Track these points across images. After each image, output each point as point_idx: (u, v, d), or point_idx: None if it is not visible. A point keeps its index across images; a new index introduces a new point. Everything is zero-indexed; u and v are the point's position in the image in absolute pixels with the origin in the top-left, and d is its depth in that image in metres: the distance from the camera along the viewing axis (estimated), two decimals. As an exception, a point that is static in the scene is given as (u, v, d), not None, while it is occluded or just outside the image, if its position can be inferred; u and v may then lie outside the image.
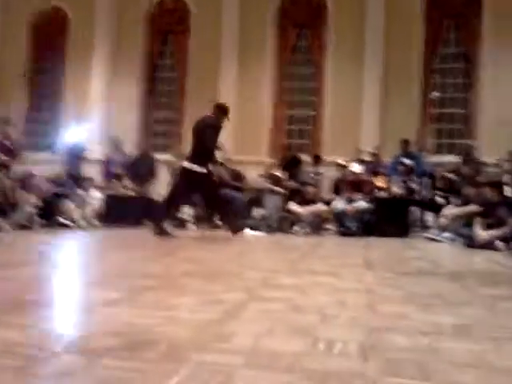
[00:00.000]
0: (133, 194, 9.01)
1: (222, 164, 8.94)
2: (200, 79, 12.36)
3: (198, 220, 8.54)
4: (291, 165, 9.58)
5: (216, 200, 6.48)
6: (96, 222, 8.14)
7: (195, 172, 6.08)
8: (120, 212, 8.27)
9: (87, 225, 7.89)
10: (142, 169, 9.68)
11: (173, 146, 12.56)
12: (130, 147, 11.69)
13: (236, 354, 1.35)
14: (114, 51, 12.99)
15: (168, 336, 1.52)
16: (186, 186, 6.31)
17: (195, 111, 12.37)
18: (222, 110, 6.70)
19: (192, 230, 8.22)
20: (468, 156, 9.13)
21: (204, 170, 6.15)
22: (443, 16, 11.42)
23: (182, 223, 8.56)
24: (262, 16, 12.17)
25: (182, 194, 6.49)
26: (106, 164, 10.10)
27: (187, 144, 12.10)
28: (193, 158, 6.22)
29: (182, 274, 2.94)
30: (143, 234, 7.02)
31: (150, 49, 12.91)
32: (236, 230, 6.34)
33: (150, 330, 1.59)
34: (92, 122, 12.54)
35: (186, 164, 6.28)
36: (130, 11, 12.92)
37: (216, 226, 8.50)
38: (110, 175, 9.85)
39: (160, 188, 9.69)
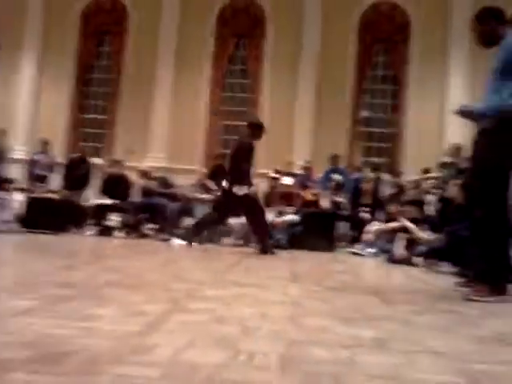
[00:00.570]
0: (57, 197, 8.64)
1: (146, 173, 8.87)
2: (136, 83, 12.16)
3: (126, 228, 8.33)
4: (218, 174, 9.60)
5: (256, 220, 6.43)
6: (17, 227, 7.74)
7: (235, 194, 6.27)
8: (43, 216, 7.90)
9: (7, 229, 7.48)
10: (76, 173, 9.33)
11: (105, 149, 12.25)
12: (60, 149, 11.29)
13: (155, 366, 1.33)
14: (44, 51, 12.52)
15: (85, 348, 1.46)
16: (228, 206, 6.57)
17: (129, 115, 12.21)
18: (257, 128, 6.70)
19: (119, 237, 8.00)
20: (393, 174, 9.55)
21: (243, 192, 6.28)
22: (374, 40, 11.97)
23: (108, 230, 8.32)
24: (201, 24, 12.18)
25: (225, 213, 6.79)
26: (31, 165, 9.66)
27: (119, 148, 11.94)
28: (232, 180, 6.41)
29: (104, 283, 2.85)
30: (67, 241, 6.77)
31: (83, 49, 12.54)
32: (265, 250, 6.23)
33: (67, 341, 1.53)
34: (18, 122, 12.03)
35: (226, 185, 6.49)
36: (63, 10, 12.52)
37: (144, 235, 8.33)
38: (34, 177, 9.42)
39: (91, 193, 9.40)
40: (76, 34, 12.54)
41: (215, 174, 9.52)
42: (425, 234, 6.20)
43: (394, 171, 10.06)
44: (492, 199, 3.21)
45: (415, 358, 1.61)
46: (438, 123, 11.52)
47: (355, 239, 8.51)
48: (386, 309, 2.63)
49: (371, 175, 9.33)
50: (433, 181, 8.38)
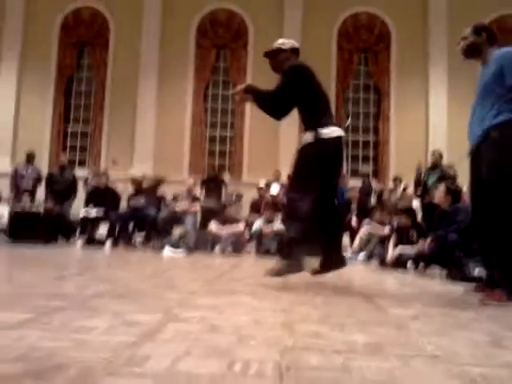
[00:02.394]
0: (41, 210, 8.56)
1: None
2: (119, 94, 12.13)
3: (114, 238, 8.27)
4: (210, 182, 9.60)
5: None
6: (2, 239, 7.65)
7: None
8: (28, 229, 7.82)
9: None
10: (60, 185, 9.25)
11: (90, 161, 12.17)
12: (43, 161, 11.19)
13: (149, 377, 1.31)
14: (23, 62, 12.44)
15: (78, 360, 1.44)
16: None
17: (114, 126, 12.16)
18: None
19: (107, 248, 7.94)
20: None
21: None
22: (354, 50, 12.10)
23: (96, 241, 8.26)
24: (183, 34, 12.21)
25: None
26: (16, 178, 9.54)
27: (105, 159, 11.89)
28: None
29: (95, 294, 2.82)
30: (54, 252, 6.70)
31: (64, 60, 12.47)
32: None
33: (59, 353, 1.50)
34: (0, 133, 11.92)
35: None
36: (42, 21, 12.47)
37: (132, 245, 8.28)
38: (19, 190, 9.31)
39: (77, 205, 9.33)
40: (56, 45, 12.50)
41: (208, 183, 9.56)
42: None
43: (380, 178, 10.16)
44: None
45: (411, 362, 1.60)
46: (422, 130, 11.66)
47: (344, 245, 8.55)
48: (378, 313, 2.63)
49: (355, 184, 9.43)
50: (410, 188, 8.51)
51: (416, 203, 8.31)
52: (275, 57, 3.88)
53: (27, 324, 1.91)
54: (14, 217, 8.05)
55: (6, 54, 12.29)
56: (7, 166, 11.24)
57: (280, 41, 3.94)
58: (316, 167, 3.57)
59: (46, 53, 12.36)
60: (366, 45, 12.02)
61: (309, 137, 3.64)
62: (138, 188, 8.87)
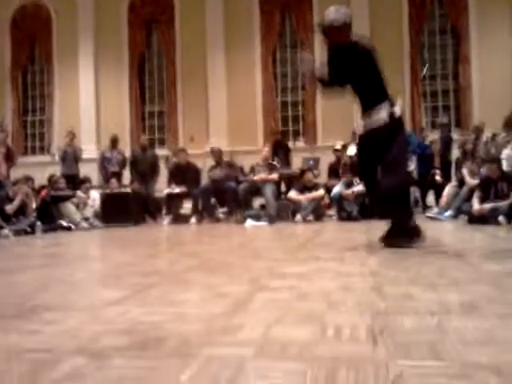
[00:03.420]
0: (129, 191, 8.96)
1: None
2: (189, 69, 12.31)
3: (198, 213, 8.52)
4: (278, 148, 9.57)
5: None
6: (97, 223, 8.13)
7: None
8: (119, 210, 8.23)
9: (88, 226, 7.88)
10: (143, 165, 9.61)
11: (168, 140, 12.53)
12: (124, 144, 11.67)
13: (245, 345, 1.35)
14: (98, 45, 12.91)
15: (177, 332, 1.51)
16: None
17: (187, 103, 12.42)
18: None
19: (193, 223, 8.21)
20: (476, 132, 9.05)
21: None
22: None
23: (182, 218, 8.56)
24: (246, 0, 12.11)
25: None
26: (103, 163, 10.03)
27: (183, 137, 12.21)
28: None
29: (186, 268, 2.94)
30: (144, 231, 7.03)
31: (134, 40, 12.80)
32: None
33: (159, 326, 1.59)
34: (83, 123, 12.54)
35: None
36: (111, 5, 12.82)
37: (217, 219, 8.50)
38: (107, 174, 9.80)
39: (160, 184, 9.68)
40: (125, 25, 12.83)
41: (276, 150, 9.53)
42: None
43: (464, 128, 9.62)
44: None
45: (510, 320, 1.54)
46: (509, 73, 10.85)
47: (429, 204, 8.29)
48: (471, 271, 2.54)
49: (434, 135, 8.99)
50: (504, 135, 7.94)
51: (509, 152, 7.76)
52: (340, 32, 3.59)
53: (127, 300, 2.04)
54: (105, 199, 8.49)
55: (83, 47, 12.83)
56: (94, 152, 11.86)
57: (342, 11, 3.58)
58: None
59: (117, 36, 12.76)
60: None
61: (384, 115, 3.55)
62: (219, 160, 8.92)
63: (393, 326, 1.50)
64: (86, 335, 1.52)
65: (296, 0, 11.92)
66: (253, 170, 8.44)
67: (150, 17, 12.73)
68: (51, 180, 8.42)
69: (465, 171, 7.19)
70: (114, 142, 10.10)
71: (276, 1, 12.03)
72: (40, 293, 2.29)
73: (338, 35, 3.58)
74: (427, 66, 11.35)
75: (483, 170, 6.64)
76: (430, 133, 9.94)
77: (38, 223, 6.83)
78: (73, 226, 7.56)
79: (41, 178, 9.16)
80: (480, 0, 10.99)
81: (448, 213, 6.96)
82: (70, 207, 7.85)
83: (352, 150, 8.57)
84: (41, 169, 10.99)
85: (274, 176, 8.21)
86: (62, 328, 1.61)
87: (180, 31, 12.52)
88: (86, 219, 8.07)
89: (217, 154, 8.94)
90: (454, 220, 6.73)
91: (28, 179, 7.71)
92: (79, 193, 8.49)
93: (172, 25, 12.58)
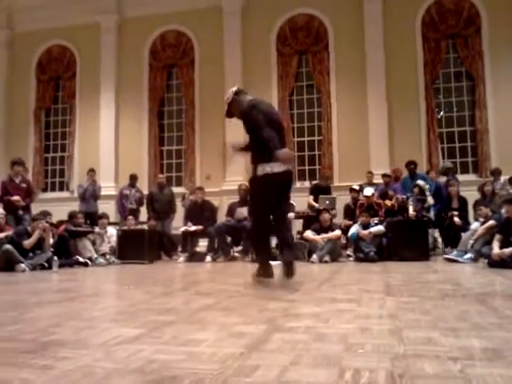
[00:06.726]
0: (145, 228, 9.00)
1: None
2: (208, 110, 12.52)
3: (213, 252, 8.50)
4: (321, 190, 9.58)
5: None
6: (113, 259, 8.15)
7: None
8: (134, 247, 8.26)
9: (105, 262, 7.90)
10: (160, 203, 9.70)
11: (185, 178, 12.64)
12: (142, 182, 11.80)
13: (261, 387, 1.32)
14: (119, 86, 13.24)
15: (191, 371, 1.48)
16: None
17: (205, 142, 12.58)
18: None
19: (208, 262, 8.17)
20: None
21: None
22: (441, 37, 11.52)
23: (197, 256, 8.54)
24: (263, 43, 12.40)
25: None
26: (121, 200, 10.15)
27: (200, 176, 12.32)
28: None
29: (201, 307, 2.91)
30: (159, 269, 7.01)
31: (154, 83, 13.11)
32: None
33: (172, 365, 1.56)
34: (102, 161, 12.73)
35: None
36: (132, 47, 13.22)
37: (232, 258, 8.46)
38: (125, 211, 9.89)
39: (176, 222, 9.71)
40: (146, 68, 13.19)
41: (315, 192, 9.53)
42: None
43: (481, 171, 9.56)
44: None
45: (537, 368, 1.48)
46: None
47: (447, 245, 8.18)
48: (494, 316, 2.46)
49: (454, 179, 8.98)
50: None
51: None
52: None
53: (142, 338, 2.01)
54: (121, 236, 8.53)
55: (104, 87, 13.18)
56: (112, 189, 12.01)
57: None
58: None
59: (138, 79, 13.09)
60: (454, 30, 11.43)
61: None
62: (245, 198, 8.28)
63: (413, 371, 1.45)
64: (98, 373, 1.50)
65: (312, 43, 12.15)
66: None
67: (170, 60, 13.07)
68: (70, 215, 8.50)
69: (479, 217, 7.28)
70: (133, 180, 10.24)
71: (293, 43, 12.29)
72: (54, 328, 2.27)
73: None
74: (442, 112, 11.44)
75: (504, 211, 6.54)
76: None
77: (55, 258, 6.86)
78: (89, 262, 7.59)
79: (59, 213, 9.26)
80: (494, 45, 11.11)
81: (468, 255, 6.84)
82: (86, 243, 7.90)
83: (369, 191, 8.56)
84: (60, 204, 11.13)
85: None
86: (74, 365, 1.59)
87: (199, 72, 12.81)
88: (103, 255, 8.11)
89: (244, 192, 8.56)
90: (473, 262, 6.61)
91: (46, 214, 7.79)
92: (96, 228, 8.56)
93: (192, 67, 12.90)
